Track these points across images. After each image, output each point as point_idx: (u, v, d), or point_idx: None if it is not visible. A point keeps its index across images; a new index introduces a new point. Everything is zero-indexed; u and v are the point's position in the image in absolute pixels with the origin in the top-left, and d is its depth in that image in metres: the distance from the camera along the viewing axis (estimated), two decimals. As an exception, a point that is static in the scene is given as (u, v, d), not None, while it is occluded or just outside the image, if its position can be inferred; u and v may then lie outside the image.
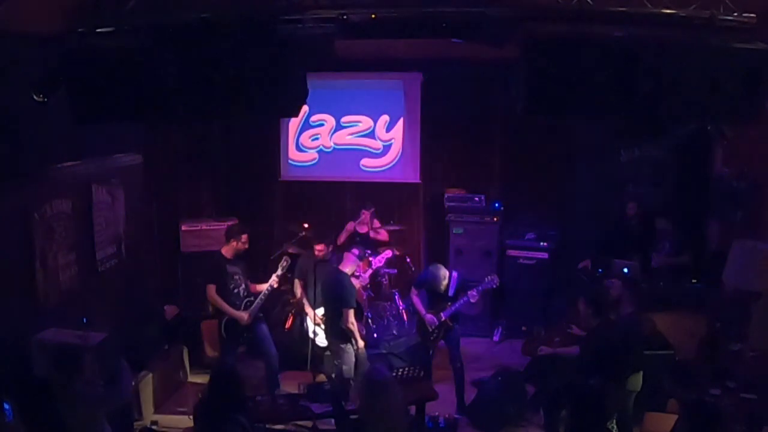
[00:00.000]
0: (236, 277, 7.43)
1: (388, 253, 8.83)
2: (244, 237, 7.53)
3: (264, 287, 7.52)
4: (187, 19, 5.34)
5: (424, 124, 10.25)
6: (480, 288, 7.30)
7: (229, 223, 9.10)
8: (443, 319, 7.32)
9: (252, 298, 7.45)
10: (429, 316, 7.35)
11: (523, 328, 9.29)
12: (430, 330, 7.41)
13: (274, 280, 7.49)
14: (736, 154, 8.28)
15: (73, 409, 4.86)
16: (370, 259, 9.07)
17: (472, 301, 7.27)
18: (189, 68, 5.27)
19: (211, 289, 7.32)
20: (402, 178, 10.32)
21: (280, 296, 9.02)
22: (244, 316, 7.31)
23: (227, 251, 7.47)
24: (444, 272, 7.31)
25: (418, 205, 10.43)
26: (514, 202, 10.13)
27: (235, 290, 7.40)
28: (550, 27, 5.44)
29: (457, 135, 10.30)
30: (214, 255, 7.59)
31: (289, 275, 8.19)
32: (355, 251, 7.70)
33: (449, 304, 7.30)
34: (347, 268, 7.14)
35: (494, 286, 7.48)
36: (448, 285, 7.32)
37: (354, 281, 7.38)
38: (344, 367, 7.00)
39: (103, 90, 5.31)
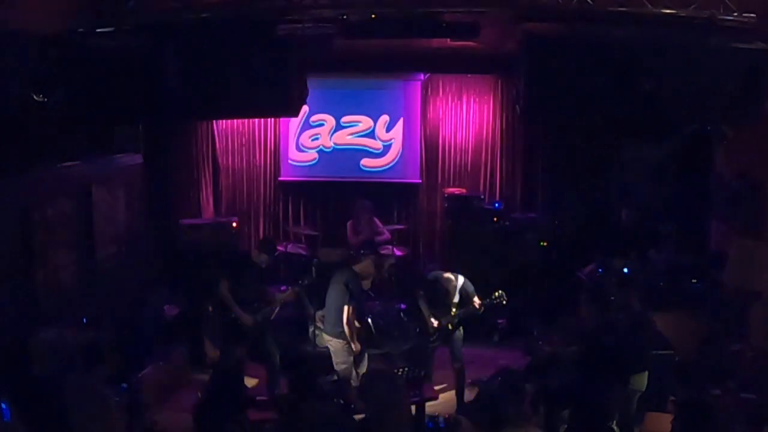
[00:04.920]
0: (252, 280, 7.41)
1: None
2: (265, 257, 7.47)
3: (281, 296, 7.54)
4: (187, 19, 5.34)
5: (424, 124, 10.26)
6: (487, 302, 7.26)
7: (232, 222, 9.13)
8: (445, 324, 7.28)
9: (257, 305, 7.42)
10: (432, 321, 7.30)
11: (524, 328, 9.28)
12: (431, 332, 7.39)
13: (292, 293, 7.51)
14: (736, 155, 8.28)
15: (87, 408, 4.85)
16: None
17: (477, 312, 7.24)
18: (189, 68, 5.28)
19: (225, 284, 7.27)
20: (402, 178, 10.31)
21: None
22: (249, 319, 7.29)
23: (254, 255, 7.45)
24: (452, 283, 7.29)
25: (418, 205, 10.43)
26: (514, 202, 10.13)
27: (247, 292, 7.38)
28: (550, 27, 5.44)
29: (458, 135, 10.30)
30: (241, 253, 7.58)
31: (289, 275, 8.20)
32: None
33: (454, 311, 7.26)
34: (358, 267, 7.18)
35: (501, 302, 7.45)
36: (454, 293, 7.29)
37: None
38: (343, 367, 6.99)
39: (103, 90, 5.32)
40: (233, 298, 7.25)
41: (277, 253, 9.13)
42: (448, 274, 7.33)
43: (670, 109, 5.37)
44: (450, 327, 7.32)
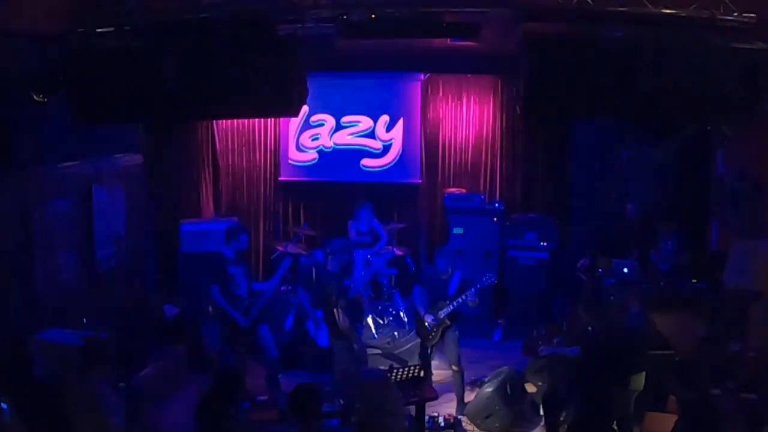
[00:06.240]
0: (238, 278, 7.41)
1: (387, 254, 8.72)
2: (244, 237, 7.53)
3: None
4: (187, 19, 5.34)
5: (424, 124, 10.27)
6: (478, 286, 7.24)
7: (230, 223, 9.12)
8: (442, 317, 7.30)
9: (254, 300, 7.43)
10: (428, 316, 7.33)
11: (524, 328, 9.29)
12: (429, 329, 7.40)
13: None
14: (736, 155, 8.28)
15: (87, 407, 4.85)
16: (370, 259, 9.07)
17: (470, 300, 7.21)
18: (189, 68, 5.28)
19: (214, 290, 7.30)
20: (402, 178, 10.32)
21: (281, 296, 9.02)
22: (243, 319, 7.30)
23: (229, 252, 7.45)
24: (448, 276, 7.30)
25: (418, 205, 10.43)
26: (514, 202, 10.14)
27: (237, 292, 7.39)
28: (550, 27, 5.45)
29: (458, 135, 10.32)
30: (217, 256, 7.57)
31: (289, 275, 8.20)
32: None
33: (448, 303, 7.29)
34: (333, 267, 7.14)
35: (491, 283, 7.43)
36: (449, 279, 7.30)
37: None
38: (343, 366, 7.01)
39: (103, 90, 5.33)
40: (226, 300, 7.27)
41: (281, 251, 9.17)
42: (445, 258, 7.34)
43: (670, 109, 5.37)
44: (447, 321, 7.31)
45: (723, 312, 7.32)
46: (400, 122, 10.18)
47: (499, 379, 7.24)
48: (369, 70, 9.76)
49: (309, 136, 10.33)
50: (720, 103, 5.28)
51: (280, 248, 9.47)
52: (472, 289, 7.20)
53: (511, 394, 7.24)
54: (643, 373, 6.10)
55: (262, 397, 6.55)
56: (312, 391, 4.50)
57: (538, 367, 7.42)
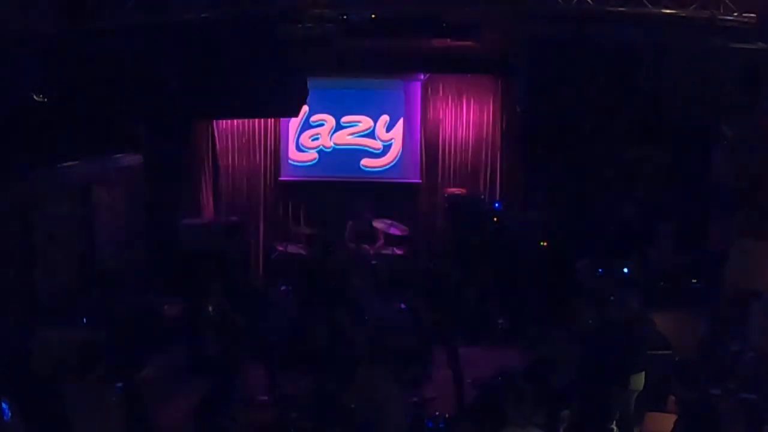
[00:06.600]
0: (239, 278, 7.41)
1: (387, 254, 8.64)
2: (246, 234, 7.53)
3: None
4: (187, 19, 5.35)
5: (424, 124, 10.27)
6: (476, 285, 7.25)
7: (230, 222, 9.14)
8: (441, 316, 7.30)
9: (252, 300, 7.44)
10: (427, 312, 7.34)
11: (524, 328, 9.29)
12: (429, 327, 7.41)
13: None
14: (736, 155, 8.28)
15: (86, 407, 4.85)
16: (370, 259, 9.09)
17: (468, 298, 7.23)
18: (189, 68, 5.29)
19: (216, 289, 7.30)
20: (402, 178, 10.32)
21: (281, 296, 9.01)
22: (243, 319, 7.30)
23: (230, 250, 7.46)
24: (450, 275, 7.32)
25: (418, 205, 10.43)
26: (514, 202, 10.13)
27: (237, 291, 7.39)
28: (551, 27, 5.45)
29: (458, 135, 10.32)
30: (218, 254, 7.58)
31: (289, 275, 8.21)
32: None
33: (447, 302, 7.30)
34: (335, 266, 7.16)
35: (491, 282, 7.44)
36: (449, 278, 7.32)
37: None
38: (343, 365, 7.00)
39: (104, 90, 5.33)
40: (227, 299, 7.27)
41: (281, 251, 9.18)
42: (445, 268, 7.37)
43: (670, 109, 5.38)
44: (446, 320, 7.33)
45: (723, 312, 7.33)
46: (400, 122, 10.18)
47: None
48: (369, 70, 9.76)
49: (309, 136, 10.32)
50: (720, 103, 5.29)
51: (280, 248, 9.47)
52: (470, 288, 7.22)
53: (510, 393, 7.24)
54: (643, 373, 6.10)
55: (262, 397, 6.56)
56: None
57: (538, 367, 7.42)
